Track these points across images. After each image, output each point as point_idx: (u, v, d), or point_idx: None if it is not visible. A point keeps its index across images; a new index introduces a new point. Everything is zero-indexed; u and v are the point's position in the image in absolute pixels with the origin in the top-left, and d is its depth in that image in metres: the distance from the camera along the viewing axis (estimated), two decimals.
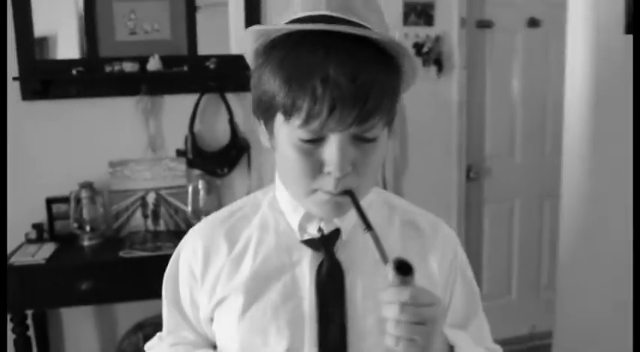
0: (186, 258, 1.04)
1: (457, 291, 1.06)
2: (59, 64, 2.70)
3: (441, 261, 1.04)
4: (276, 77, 0.83)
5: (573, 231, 1.97)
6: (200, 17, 2.81)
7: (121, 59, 2.69)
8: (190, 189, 2.80)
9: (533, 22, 3.33)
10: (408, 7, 3.04)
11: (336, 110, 0.80)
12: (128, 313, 2.88)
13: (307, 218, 0.97)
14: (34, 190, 2.68)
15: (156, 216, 2.82)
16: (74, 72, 2.65)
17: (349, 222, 0.97)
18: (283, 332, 0.95)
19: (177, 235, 2.72)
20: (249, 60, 0.94)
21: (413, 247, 1.01)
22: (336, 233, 0.97)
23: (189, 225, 2.74)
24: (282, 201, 1.01)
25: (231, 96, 2.85)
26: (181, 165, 2.83)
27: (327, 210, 0.91)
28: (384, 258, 0.84)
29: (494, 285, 3.51)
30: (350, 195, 0.88)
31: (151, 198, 2.80)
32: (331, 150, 0.84)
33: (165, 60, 2.72)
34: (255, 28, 0.88)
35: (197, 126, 2.84)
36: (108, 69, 2.68)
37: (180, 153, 2.84)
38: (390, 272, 0.81)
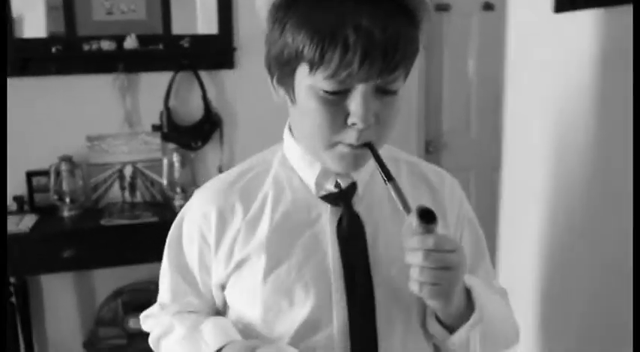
0: (195, 222, 1.02)
1: (465, 238, 1.08)
2: (38, 42, 2.79)
3: (451, 210, 1.05)
4: (302, 28, 0.82)
5: (512, 202, 2.13)
6: None
7: (98, 38, 2.80)
8: (165, 162, 2.93)
9: (487, 6, 3.54)
10: None
11: (367, 60, 0.80)
12: (106, 281, 3.01)
13: (324, 173, 0.97)
14: (15, 164, 2.77)
15: (133, 187, 2.95)
16: (53, 50, 2.76)
17: (364, 174, 0.98)
18: (310, 290, 0.94)
19: (153, 206, 2.89)
20: (264, 13, 0.92)
21: (424, 199, 1.02)
22: (352, 187, 0.98)
23: (165, 196, 2.91)
24: (294, 158, 1.00)
25: (204, 74, 2.98)
26: (157, 140, 2.97)
27: (346, 163, 0.91)
28: (407, 207, 0.85)
29: None
30: (370, 148, 0.89)
31: (128, 170, 2.94)
32: (356, 101, 0.83)
33: (141, 39, 2.84)
34: None
35: (172, 102, 2.97)
36: (86, 47, 2.79)
37: (155, 127, 2.97)
38: (414, 220, 0.82)
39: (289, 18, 0.84)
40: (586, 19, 1.60)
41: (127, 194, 2.94)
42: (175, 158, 2.93)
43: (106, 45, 2.80)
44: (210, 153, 3.09)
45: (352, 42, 0.79)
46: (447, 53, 3.52)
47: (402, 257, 0.86)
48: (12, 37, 2.75)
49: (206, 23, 2.97)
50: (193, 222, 1.03)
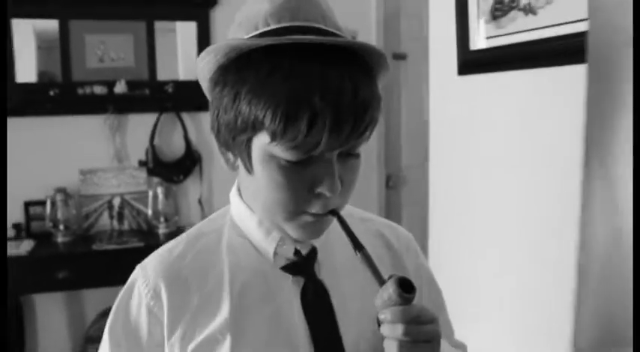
0: (143, 300, 0.88)
1: (425, 292, 1.03)
2: (37, 86, 3.13)
3: (409, 266, 1.01)
4: (260, 96, 0.74)
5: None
6: (160, 45, 3.30)
7: (91, 83, 3.16)
8: (150, 194, 3.26)
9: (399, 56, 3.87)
10: None
11: (336, 128, 0.73)
12: (96, 301, 3.31)
13: (282, 242, 0.89)
14: (14, 194, 3.06)
15: (121, 217, 3.27)
16: (51, 93, 3.11)
17: (320, 239, 0.90)
18: None
19: (139, 233, 3.21)
20: (207, 79, 0.84)
21: (386, 259, 0.97)
22: (312, 252, 0.91)
23: (150, 225, 3.23)
24: (248, 227, 0.91)
25: (185, 115, 3.34)
26: (143, 174, 3.30)
27: (311, 231, 0.85)
28: (379, 277, 0.80)
29: None
30: (337, 215, 0.83)
31: (116, 201, 3.26)
32: (325, 170, 0.77)
33: (129, 84, 3.20)
34: (228, 42, 0.78)
35: (156, 140, 3.31)
36: (80, 91, 3.14)
37: (141, 163, 3.30)
38: (391, 290, 0.77)
39: (244, 82, 0.76)
40: (485, 81, 1.81)
41: (115, 222, 3.26)
42: (159, 190, 3.25)
43: (98, 89, 3.16)
44: (191, 187, 3.43)
45: (320, 110, 0.72)
46: (405, 96, 3.84)
47: (371, 328, 0.84)
48: (13, 82, 3.08)
49: (187, 70, 3.33)
50: (141, 299, 0.88)
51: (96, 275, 2.97)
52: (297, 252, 0.90)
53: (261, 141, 0.78)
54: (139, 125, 3.29)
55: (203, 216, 3.27)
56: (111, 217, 3.26)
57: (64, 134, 3.20)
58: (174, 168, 3.34)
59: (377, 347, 0.86)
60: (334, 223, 0.86)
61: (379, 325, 0.80)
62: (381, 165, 3.81)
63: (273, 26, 0.78)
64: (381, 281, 0.80)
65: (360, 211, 1.04)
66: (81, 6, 3.13)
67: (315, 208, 0.81)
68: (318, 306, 0.89)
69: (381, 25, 3.69)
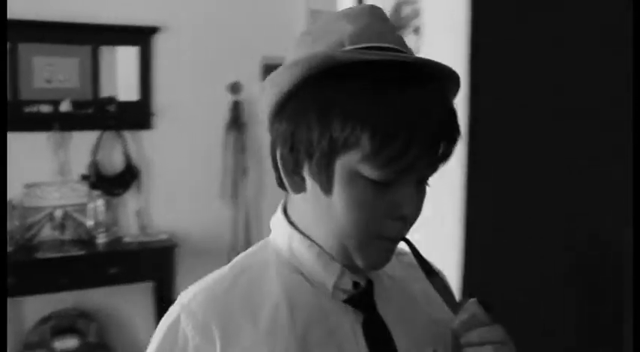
0: (190, 342, 0.77)
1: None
2: None
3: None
4: (356, 113, 0.72)
5: None
6: (104, 68, 3.55)
7: (38, 102, 3.38)
8: (91, 206, 3.49)
9: None
10: (266, 66, 3.96)
11: (430, 149, 0.74)
12: (35, 308, 3.49)
13: (341, 274, 0.83)
14: None
15: (63, 227, 3.48)
16: None
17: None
18: None
19: (80, 242, 3.43)
20: (284, 93, 0.78)
21: (423, 285, 0.89)
22: (370, 285, 0.85)
23: (90, 235, 3.46)
24: (307, 258, 0.83)
25: (126, 133, 3.60)
26: (84, 187, 3.52)
27: (381, 258, 0.81)
28: (454, 303, 0.81)
29: None
30: (407, 242, 0.82)
31: (58, 213, 3.47)
32: (406, 193, 0.76)
33: (74, 103, 3.44)
34: (326, 52, 0.75)
35: (98, 156, 3.55)
36: (27, 109, 3.36)
37: (84, 177, 3.53)
38: (477, 311, 0.78)
39: (334, 99, 0.73)
40: None
41: (57, 233, 3.47)
42: (100, 203, 3.48)
43: (45, 108, 3.38)
44: (130, 199, 3.68)
45: (418, 130, 0.71)
46: None
47: None
48: None
49: (129, 92, 3.60)
50: (186, 342, 0.78)
51: (38, 283, 3.18)
52: (355, 285, 0.84)
53: (349, 160, 0.74)
54: (82, 141, 3.51)
55: (141, 227, 3.55)
56: (53, 228, 3.46)
57: (11, 149, 3.36)
58: (115, 182, 3.58)
59: None
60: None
61: (454, 350, 0.80)
62: None
63: (358, 45, 0.76)
64: (455, 309, 0.80)
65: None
66: (31, 30, 3.36)
67: (393, 232, 0.78)
68: (381, 342, 0.83)
69: None
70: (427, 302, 0.91)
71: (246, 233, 4.04)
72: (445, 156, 0.77)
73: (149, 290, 3.68)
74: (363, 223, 0.76)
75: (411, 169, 0.74)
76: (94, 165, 3.52)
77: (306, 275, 0.84)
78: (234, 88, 3.89)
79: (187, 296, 0.81)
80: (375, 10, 0.81)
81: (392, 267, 0.87)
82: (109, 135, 3.57)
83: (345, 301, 0.83)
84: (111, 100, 3.55)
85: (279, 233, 0.87)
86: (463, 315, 0.78)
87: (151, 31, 3.62)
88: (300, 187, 0.81)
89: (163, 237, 3.64)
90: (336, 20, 0.80)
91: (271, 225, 0.90)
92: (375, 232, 0.77)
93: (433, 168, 0.78)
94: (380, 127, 0.71)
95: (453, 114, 0.77)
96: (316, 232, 0.83)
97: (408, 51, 0.80)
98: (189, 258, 3.77)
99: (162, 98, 3.70)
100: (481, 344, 0.76)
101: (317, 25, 0.84)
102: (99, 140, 3.54)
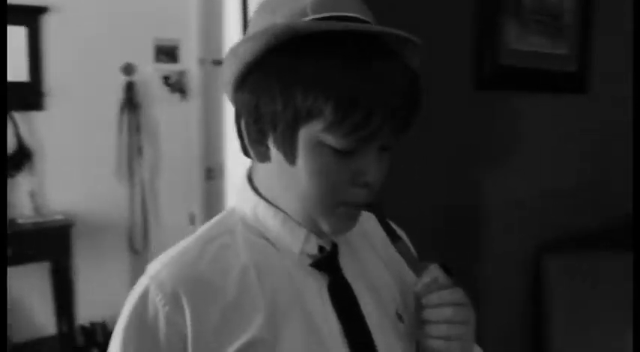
0: (160, 312, 0.76)
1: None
2: None
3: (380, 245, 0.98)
4: (318, 83, 0.72)
5: None
6: None
7: None
8: None
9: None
10: (158, 47, 4.04)
11: (392, 117, 0.74)
12: None
13: (307, 239, 0.84)
14: None
15: None
16: None
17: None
18: None
19: None
20: (245, 63, 0.78)
21: (385, 247, 0.94)
22: (335, 248, 0.87)
23: None
24: (273, 224, 0.84)
25: (17, 114, 3.58)
26: None
27: (346, 224, 0.83)
28: (417, 267, 0.84)
29: None
30: (373, 207, 0.84)
31: None
32: (368, 160, 0.77)
33: None
34: (288, 24, 0.74)
35: None
36: None
37: None
38: (439, 275, 0.81)
39: (297, 70, 0.74)
40: None
41: None
42: None
43: None
44: (23, 181, 3.66)
45: (380, 99, 0.72)
46: (225, 98, 4.32)
47: (391, 319, 0.88)
48: None
49: (18, 72, 3.57)
50: (157, 312, 0.76)
51: None
52: (320, 249, 0.86)
53: (312, 130, 0.75)
54: None
55: (35, 208, 3.57)
56: None
57: None
58: (7, 164, 3.56)
59: (401, 336, 0.88)
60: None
61: (417, 311, 0.84)
62: (202, 158, 4.27)
63: (318, 15, 0.76)
64: (418, 272, 0.84)
65: None
66: None
67: (358, 198, 0.80)
68: (347, 303, 0.85)
69: (201, 32, 4.15)
70: (389, 264, 0.95)
71: (143, 210, 4.13)
72: (407, 124, 0.78)
73: (46, 271, 3.70)
74: (327, 191, 0.78)
75: (373, 138, 0.75)
76: None
77: (273, 241, 0.85)
78: (128, 69, 3.95)
79: (155, 268, 0.80)
80: None
81: (355, 230, 0.88)
82: None
83: (311, 265, 0.85)
84: None
85: (244, 200, 0.88)
86: (425, 278, 0.83)
87: (40, 10, 3.60)
88: (264, 156, 0.82)
89: (59, 217, 3.67)
90: None
91: (236, 194, 0.90)
92: (340, 199, 0.79)
93: (395, 137, 0.79)
94: (342, 97, 0.72)
95: (414, 83, 0.78)
96: (282, 199, 0.84)
97: (372, 20, 0.80)
98: (87, 236, 3.83)
99: (54, 79, 3.69)
100: (441, 305, 0.80)
101: None
102: None
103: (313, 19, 0.76)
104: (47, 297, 3.74)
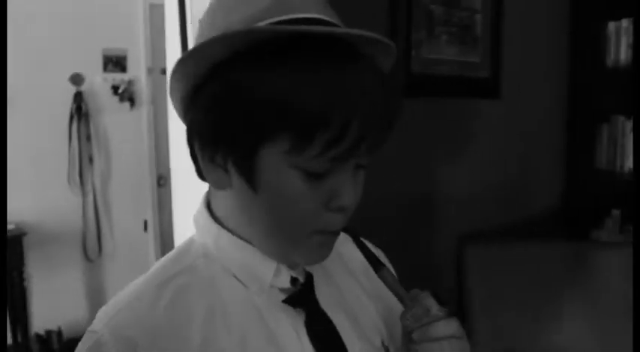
0: None
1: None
2: None
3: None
4: (281, 97, 0.62)
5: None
6: None
7: None
8: None
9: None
10: (106, 58, 4.12)
11: (367, 133, 0.65)
12: None
13: (277, 272, 0.75)
14: None
15: None
16: None
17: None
18: None
19: None
20: (199, 76, 0.68)
21: (364, 273, 0.87)
22: (310, 280, 0.78)
23: None
24: (236, 257, 0.75)
25: None
26: None
27: (321, 253, 0.74)
28: (403, 296, 0.77)
29: None
30: (350, 230, 0.78)
31: None
32: (342, 181, 0.68)
33: None
34: (251, 28, 0.65)
35: None
36: None
37: None
38: (433, 306, 0.74)
39: (256, 81, 0.64)
40: None
41: None
42: None
43: None
44: None
45: (354, 114, 0.63)
46: (171, 106, 4.46)
47: (374, 348, 0.81)
48: None
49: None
50: None
51: None
52: (293, 281, 0.77)
53: (276, 151, 0.65)
54: None
55: None
56: None
57: None
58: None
59: None
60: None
61: (406, 344, 0.77)
62: (152, 166, 4.36)
63: (277, 18, 0.66)
64: (405, 298, 0.77)
65: None
66: None
67: (333, 225, 0.71)
68: (327, 339, 0.77)
69: (148, 42, 4.25)
70: (371, 290, 0.87)
71: (96, 218, 4.20)
72: (385, 137, 0.69)
73: None
74: (297, 221, 0.69)
75: (349, 155, 0.66)
76: None
77: (239, 277, 0.75)
78: (76, 79, 4.02)
79: (108, 315, 0.70)
80: None
81: (330, 257, 0.78)
82: None
83: (285, 301, 0.75)
84: None
85: (204, 231, 0.78)
86: (417, 309, 0.75)
87: None
88: (223, 183, 0.72)
89: (10, 227, 3.71)
90: None
91: (194, 223, 0.80)
92: (312, 228, 0.70)
93: (372, 153, 0.70)
94: (310, 111, 0.62)
95: (389, 89, 0.69)
96: (246, 229, 0.74)
97: (337, 21, 0.71)
98: (40, 245, 3.89)
99: (16, 83, 3.73)
100: (437, 339, 0.73)
101: None
102: None
103: (271, 23, 0.66)
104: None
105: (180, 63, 0.68)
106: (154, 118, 4.31)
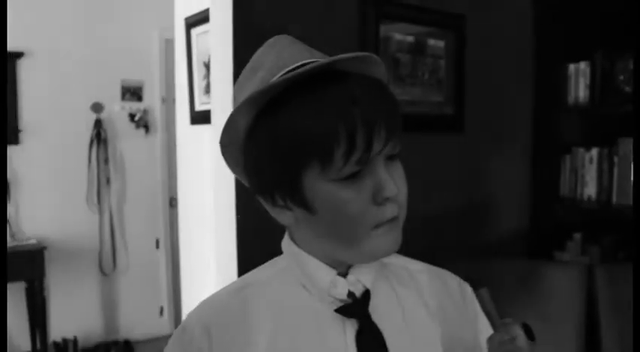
0: (197, 342, 0.84)
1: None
2: None
3: (470, 315, 0.96)
4: (295, 130, 0.75)
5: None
6: None
7: None
8: None
9: None
10: (124, 88, 4.51)
11: (373, 128, 0.74)
12: None
13: (335, 282, 0.84)
14: None
15: None
16: None
17: (369, 278, 0.86)
18: None
19: None
20: (242, 137, 0.82)
21: (450, 308, 0.93)
22: (366, 295, 0.85)
23: None
24: (309, 268, 0.86)
25: None
26: None
27: (392, 239, 0.81)
28: (494, 319, 0.80)
29: None
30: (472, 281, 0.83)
31: None
32: (379, 173, 0.77)
33: None
34: (271, 83, 0.78)
35: None
36: None
37: None
38: (519, 336, 0.76)
39: (279, 130, 0.77)
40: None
41: None
42: None
43: None
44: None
45: (354, 117, 0.74)
46: None
47: None
48: None
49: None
50: (193, 335, 0.85)
51: None
52: (350, 294, 0.84)
53: (313, 175, 0.77)
54: None
55: (11, 233, 3.96)
56: None
57: None
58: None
59: None
60: (372, 269, 0.87)
61: None
62: (165, 188, 4.70)
63: (278, 74, 0.79)
64: (497, 322, 0.79)
65: (410, 260, 0.98)
66: None
67: (384, 216, 0.79)
68: (375, 351, 0.83)
69: (163, 74, 4.61)
70: (443, 323, 0.90)
71: (111, 235, 4.54)
72: (393, 125, 0.78)
73: (21, 290, 4.07)
74: (355, 219, 0.78)
75: (368, 154, 0.75)
76: None
77: (306, 286, 0.85)
78: (96, 107, 4.40)
79: (194, 310, 0.89)
80: (284, 39, 0.86)
81: (406, 282, 0.91)
82: None
83: (337, 310, 0.83)
84: None
85: (287, 252, 0.89)
86: (504, 335, 0.77)
87: (17, 55, 4.05)
88: (291, 219, 0.84)
89: (33, 241, 4.06)
90: (262, 54, 0.85)
91: (282, 247, 0.91)
92: (371, 223, 0.78)
93: (391, 145, 0.78)
94: (321, 135, 0.74)
95: (382, 89, 0.80)
96: (317, 246, 0.85)
97: (317, 56, 0.84)
98: (59, 259, 4.24)
99: (28, 116, 4.14)
100: None
101: (253, 60, 0.87)
102: None
103: (281, 75, 0.79)
104: (22, 315, 4.09)
105: (227, 126, 0.82)
106: (167, 144, 4.64)
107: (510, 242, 2.88)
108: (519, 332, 0.76)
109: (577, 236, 2.92)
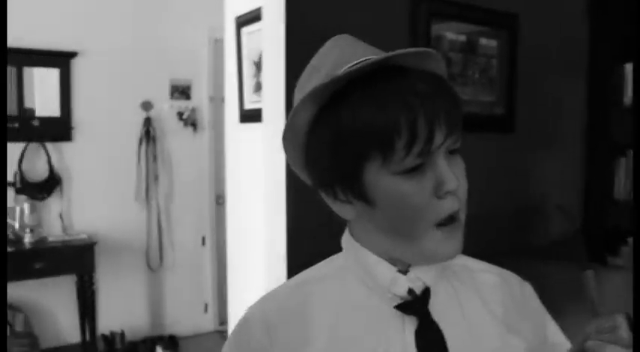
0: (256, 336, 0.86)
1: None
2: None
3: (532, 315, 0.95)
4: (357, 124, 0.75)
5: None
6: (27, 87, 4.05)
7: None
8: (18, 209, 3.96)
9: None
10: (173, 87, 4.56)
11: (435, 120, 0.74)
12: None
13: (395, 279, 0.84)
14: None
15: None
16: None
17: (430, 275, 0.85)
18: None
19: (8, 242, 3.88)
20: (305, 131, 0.83)
21: (512, 310, 0.92)
22: (426, 292, 0.84)
23: (17, 235, 3.94)
24: (369, 265, 0.86)
25: (49, 145, 4.10)
26: (11, 193, 3.99)
27: (451, 245, 0.81)
28: (595, 303, 0.80)
29: None
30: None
31: None
32: (440, 166, 0.77)
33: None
34: (333, 77, 0.79)
35: (24, 165, 4.03)
36: None
37: (10, 184, 4.00)
38: (624, 328, 0.73)
39: (341, 125, 0.78)
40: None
41: None
42: (25, 206, 3.96)
43: None
44: (53, 204, 4.17)
45: (416, 108, 0.74)
46: None
47: None
48: None
49: (51, 108, 4.11)
50: (252, 331, 0.87)
51: None
52: (410, 291, 0.84)
53: (374, 168, 0.77)
54: (9, 153, 3.94)
55: (63, 228, 4.05)
56: None
57: None
58: (39, 188, 4.07)
59: None
60: (433, 267, 0.85)
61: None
62: (212, 185, 4.74)
63: (347, 68, 0.79)
64: (599, 308, 0.79)
65: (470, 259, 0.97)
66: None
67: (445, 210, 0.78)
68: (434, 348, 0.83)
69: (211, 73, 4.66)
70: (506, 323, 0.89)
71: (159, 232, 4.60)
72: (455, 118, 0.77)
73: (72, 283, 4.18)
74: (416, 213, 0.78)
75: (429, 146, 0.75)
76: (20, 173, 4.00)
77: (366, 283, 0.86)
78: (146, 105, 4.47)
79: (256, 303, 0.91)
80: (346, 38, 0.87)
81: (467, 283, 0.90)
82: (33, 146, 4.06)
83: (396, 307, 0.83)
84: (32, 115, 4.06)
85: (347, 249, 0.90)
86: (605, 322, 0.74)
87: (70, 55, 4.14)
88: (351, 213, 0.84)
89: (83, 236, 4.15)
90: (324, 53, 0.86)
91: (342, 244, 0.92)
92: (433, 218, 0.78)
93: (452, 139, 0.78)
94: (382, 127, 0.74)
95: (436, 78, 0.79)
96: (377, 242, 0.85)
97: (379, 54, 0.83)
98: (109, 254, 4.32)
99: (81, 114, 4.23)
100: None
101: (315, 58, 0.88)
102: (24, 151, 4.02)
103: (345, 70, 0.79)
104: (73, 308, 4.20)
105: (289, 124, 0.83)
106: (214, 142, 4.69)
107: (562, 245, 2.82)
108: (623, 323, 0.73)
109: (631, 241, 2.86)
